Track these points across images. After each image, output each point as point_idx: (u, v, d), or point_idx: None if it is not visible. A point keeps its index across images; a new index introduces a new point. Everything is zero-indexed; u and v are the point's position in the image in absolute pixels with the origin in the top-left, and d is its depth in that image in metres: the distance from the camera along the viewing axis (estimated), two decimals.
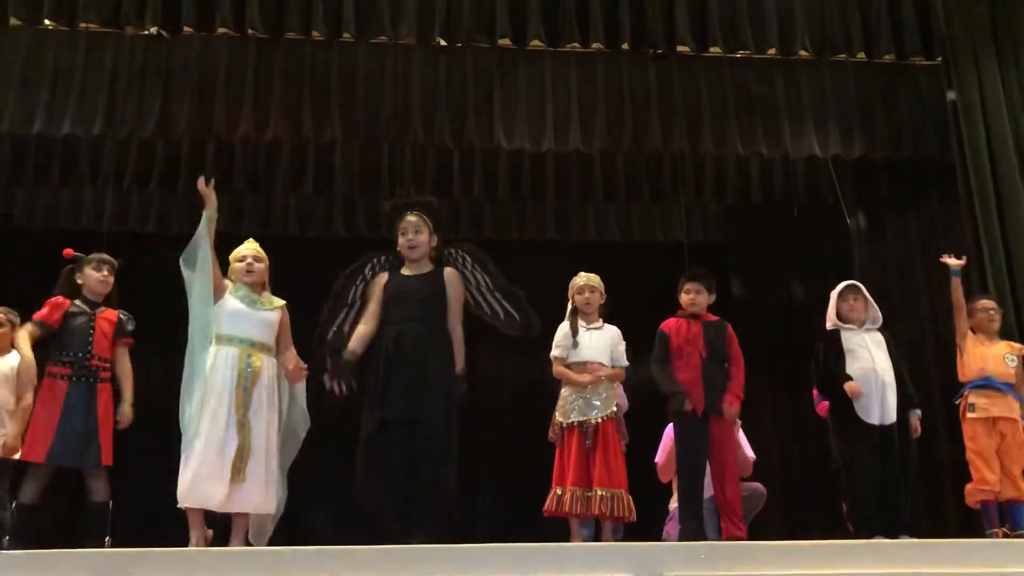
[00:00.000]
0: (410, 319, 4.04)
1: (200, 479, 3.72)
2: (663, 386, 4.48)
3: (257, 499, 3.81)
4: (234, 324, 3.97)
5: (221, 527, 3.98)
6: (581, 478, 4.25)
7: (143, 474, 5.83)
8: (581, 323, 4.52)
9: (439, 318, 4.14)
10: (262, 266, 4.17)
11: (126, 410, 4.20)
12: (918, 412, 4.58)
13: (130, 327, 4.36)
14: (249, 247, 4.22)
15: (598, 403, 4.34)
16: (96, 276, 4.31)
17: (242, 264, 4.13)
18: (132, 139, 6.44)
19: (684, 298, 4.62)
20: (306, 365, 4.10)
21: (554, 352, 4.49)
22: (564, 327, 4.52)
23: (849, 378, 4.42)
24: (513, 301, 4.33)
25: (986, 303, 4.92)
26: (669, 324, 4.62)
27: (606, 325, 4.58)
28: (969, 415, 4.62)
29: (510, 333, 4.40)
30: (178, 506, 3.80)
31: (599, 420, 4.31)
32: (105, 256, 4.40)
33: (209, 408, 3.80)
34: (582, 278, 4.63)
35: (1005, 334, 5.27)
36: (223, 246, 4.40)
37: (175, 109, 5.84)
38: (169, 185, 6.96)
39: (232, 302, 4.03)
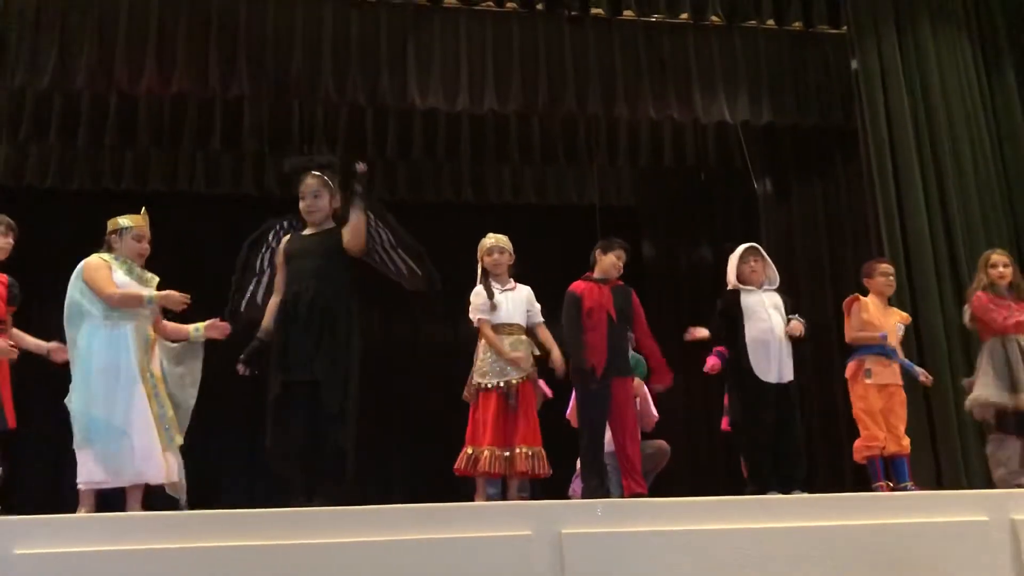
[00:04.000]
0: (307, 277, 3.94)
1: (143, 454, 3.65)
2: (571, 347, 4.53)
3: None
4: None
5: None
6: (500, 438, 4.31)
7: (41, 442, 5.68)
8: (495, 285, 4.54)
9: (336, 275, 3.98)
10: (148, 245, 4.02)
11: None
12: (797, 316, 4.73)
13: (19, 297, 4.15)
14: (142, 222, 4.01)
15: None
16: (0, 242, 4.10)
17: (139, 244, 3.95)
18: (28, 90, 6.15)
19: (614, 262, 4.64)
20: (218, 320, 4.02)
21: (477, 315, 4.50)
22: (479, 290, 4.54)
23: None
24: (415, 256, 4.27)
25: (886, 267, 5.07)
26: (579, 287, 4.64)
27: (518, 285, 4.62)
28: (866, 380, 4.79)
29: (412, 288, 4.35)
30: (90, 486, 3.70)
31: (519, 381, 4.36)
32: (10, 221, 4.15)
33: (120, 385, 3.70)
34: (490, 239, 4.64)
35: (898, 295, 5.50)
36: (128, 205, 4.21)
37: (73, 59, 5.58)
38: (69, 139, 6.71)
39: (121, 278, 3.86)
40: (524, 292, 4.60)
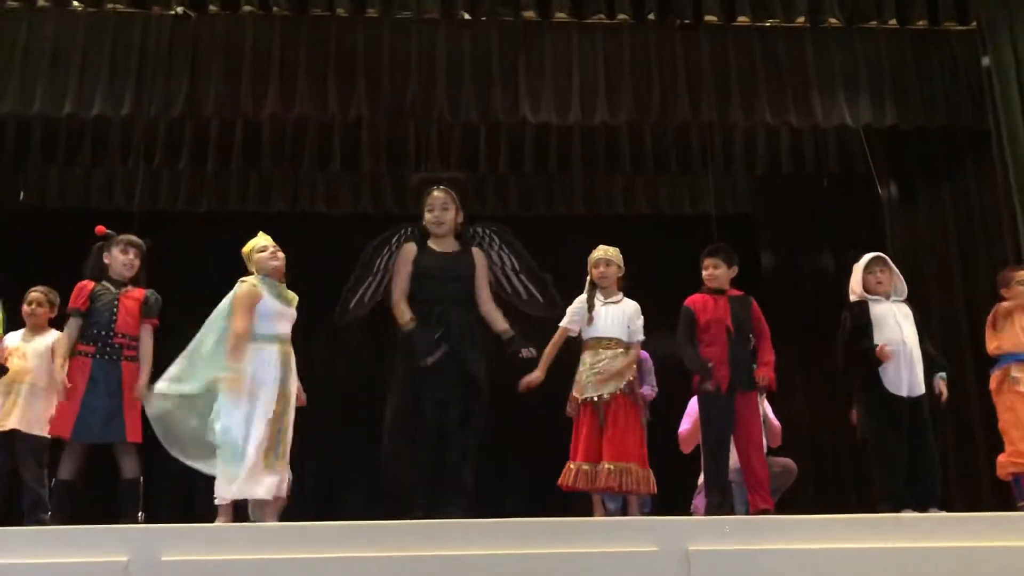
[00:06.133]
0: (451, 300, 4.08)
1: (253, 473, 3.78)
2: (689, 364, 4.46)
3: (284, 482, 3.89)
4: (274, 323, 4.01)
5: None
6: (591, 452, 4.30)
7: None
8: (599, 297, 4.51)
9: (473, 300, 4.19)
10: (283, 255, 4.18)
11: (142, 388, 4.20)
12: (944, 375, 4.53)
13: (156, 307, 4.37)
14: (266, 239, 4.20)
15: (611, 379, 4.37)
16: (121, 259, 4.33)
17: (265, 254, 4.11)
18: (161, 119, 6.49)
19: (704, 274, 4.61)
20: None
21: (563, 322, 4.50)
22: (580, 300, 4.54)
23: (874, 346, 4.38)
24: (538, 283, 4.35)
25: (1022, 274, 4.82)
26: (694, 300, 4.57)
27: (625, 299, 4.57)
28: (1017, 388, 4.52)
29: (531, 313, 4.41)
30: (224, 500, 3.81)
31: (611, 395, 4.33)
32: (133, 238, 4.39)
33: (255, 406, 3.85)
34: (599, 251, 4.63)
35: None
36: (253, 225, 4.41)
37: (202, 89, 5.89)
38: (198, 164, 7.04)
39: (270, 302, 4.03)
40: (629, 307, 4.54)
